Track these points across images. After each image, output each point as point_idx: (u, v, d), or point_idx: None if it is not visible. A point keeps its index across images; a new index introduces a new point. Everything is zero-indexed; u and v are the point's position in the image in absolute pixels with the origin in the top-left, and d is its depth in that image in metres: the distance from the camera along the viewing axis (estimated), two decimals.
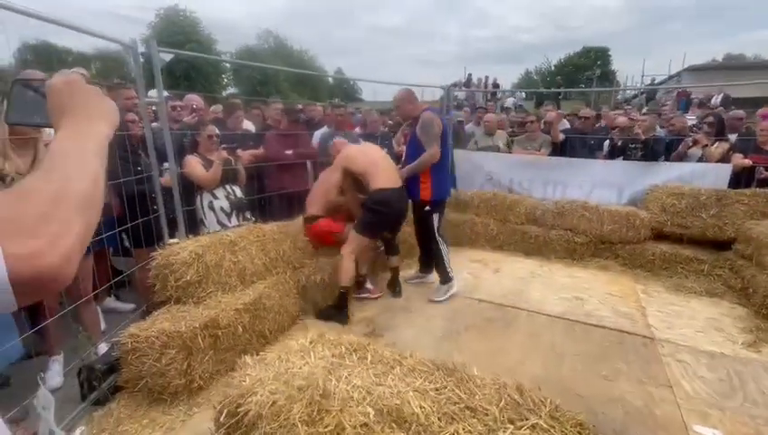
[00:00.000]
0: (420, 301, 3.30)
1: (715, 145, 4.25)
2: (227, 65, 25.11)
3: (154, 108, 3.02)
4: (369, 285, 3.42)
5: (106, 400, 2.08)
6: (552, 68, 35.12)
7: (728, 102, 8.95)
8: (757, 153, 3.95)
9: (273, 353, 1.40)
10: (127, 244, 2.81)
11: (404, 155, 3.50)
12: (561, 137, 4.90)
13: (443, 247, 3.35)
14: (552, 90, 18.52)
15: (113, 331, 2.32)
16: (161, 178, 2.73)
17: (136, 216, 2.50)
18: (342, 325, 2.86)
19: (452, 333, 2.82)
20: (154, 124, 3.04)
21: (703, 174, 4.08)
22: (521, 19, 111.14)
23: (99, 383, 2.07)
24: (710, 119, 4.61)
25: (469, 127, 5.60)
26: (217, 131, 3.34)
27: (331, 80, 34.54)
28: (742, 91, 10.37)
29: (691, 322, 2.99)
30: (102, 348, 2.47)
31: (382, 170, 3.06)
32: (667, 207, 3.91)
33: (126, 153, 2.57)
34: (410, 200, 3.32)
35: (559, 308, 3.21)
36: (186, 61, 20.02)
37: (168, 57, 3.44)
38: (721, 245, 3.77)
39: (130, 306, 3.13)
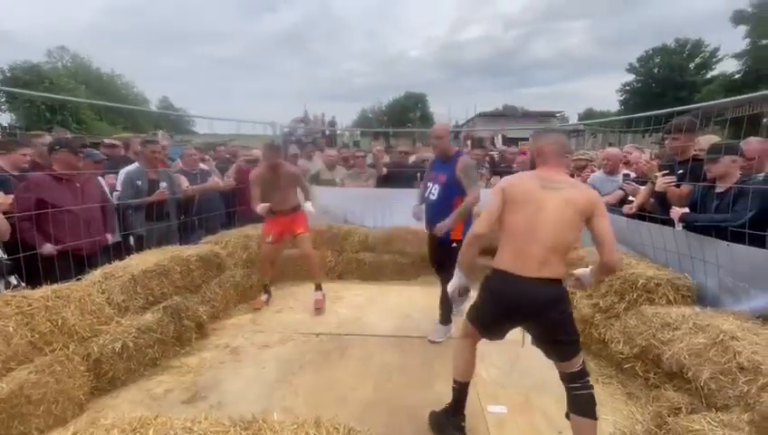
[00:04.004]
0: (252, 347, 3.09)
1: (493, 178, 5.47)
2: None
3: None
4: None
5: None
6: (384, 108, 39.62)
7: (506, 141, 11.88)
8: None
9: None
10: None
11: (426, 193, 3.24)
12: (384, 171, 5.50)
13: None
14: (383, 129, 20.73)
15: None
16: None
17: None
18: None
19: (286, 374, 2.72)
20: None
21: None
22: (356, 64, 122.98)
23: None
24: (488, 157, 5.94)
25: (301, 162, 5.74)
26: None
27: (155, 109, 30.70)
28: (515, 132, 14.14)
29: None
30: None
31: None
32: None
33: None
34: (435, 238, 3.12)
35: (390, 327, 3.47)
36: None
37: None
38: None
39: None
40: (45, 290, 2.35)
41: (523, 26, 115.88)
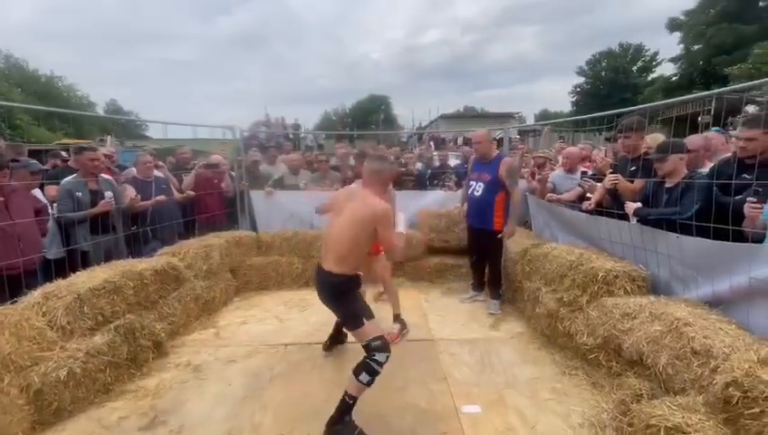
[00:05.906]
0: (217, 363, 2.93)
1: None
2: None
3: None
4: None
5: None
6: (348, 111, 39.49)
7: (468, 141, 12.23)
8: None
9: None
10: None
11: (470, 190, 3.79)
12: (349, 173, 5.43)
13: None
14: (347, 132, 20.59)
15: None
16: None
17: None
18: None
19: (255, 390, 2.59)
20: None
21: (455, 198, 5.23)
22: (317, 67, 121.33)
23: None
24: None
25: (263, 167, 5.56)
26: None
27: (102, 112, 28.81)
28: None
29: (457, 318, 3.70)
30: None
31: None
32: (432, 227, 4.81)
33: None
34: (480, 230, 3.74)
35: None
36: None
37: None
38: None
39: None
40: None
41: (479, 31, 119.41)
